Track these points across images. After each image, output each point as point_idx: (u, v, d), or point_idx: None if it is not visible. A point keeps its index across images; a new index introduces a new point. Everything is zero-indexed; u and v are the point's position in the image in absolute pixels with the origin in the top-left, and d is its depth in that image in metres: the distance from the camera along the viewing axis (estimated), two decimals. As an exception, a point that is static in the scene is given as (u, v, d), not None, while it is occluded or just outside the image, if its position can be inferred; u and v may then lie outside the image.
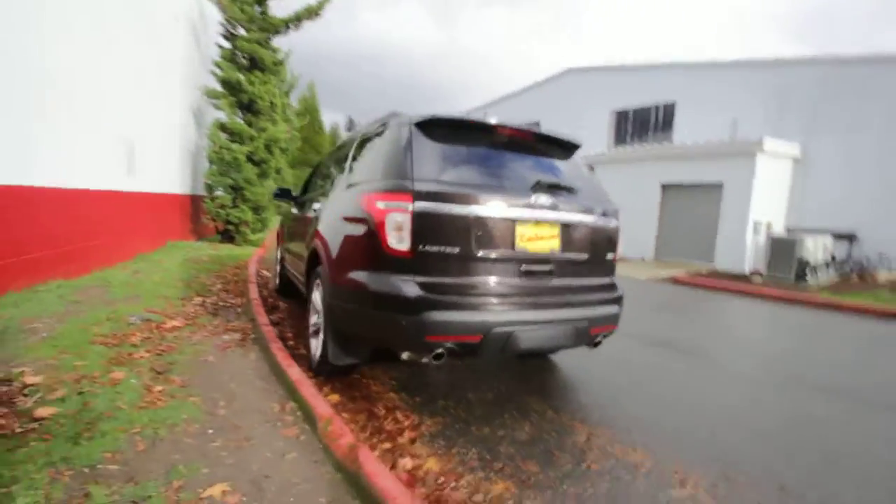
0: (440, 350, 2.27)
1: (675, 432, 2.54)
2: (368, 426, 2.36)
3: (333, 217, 2.85)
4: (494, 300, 2.35)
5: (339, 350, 2.68)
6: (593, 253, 2.73)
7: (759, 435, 2.57)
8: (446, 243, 2.31)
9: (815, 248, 10.09)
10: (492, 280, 2.40)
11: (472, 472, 2.03)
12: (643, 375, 3.48)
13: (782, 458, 2.33)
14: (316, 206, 3.37)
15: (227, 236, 9.41)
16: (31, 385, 2.33)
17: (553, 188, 2.62)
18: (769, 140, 11.73)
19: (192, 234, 9.11)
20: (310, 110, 24.80)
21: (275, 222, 10.59)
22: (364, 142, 3.12)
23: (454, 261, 2.33)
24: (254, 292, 4.91)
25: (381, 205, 2.32)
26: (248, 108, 9.12)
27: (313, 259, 3.17)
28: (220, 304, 4.68)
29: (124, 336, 3.31)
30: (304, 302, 5.16)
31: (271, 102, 9.29)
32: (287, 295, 5.35)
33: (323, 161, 4.26)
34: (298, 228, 4.10)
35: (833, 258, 11.29)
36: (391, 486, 1.68)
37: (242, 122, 8.98)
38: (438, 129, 2.56)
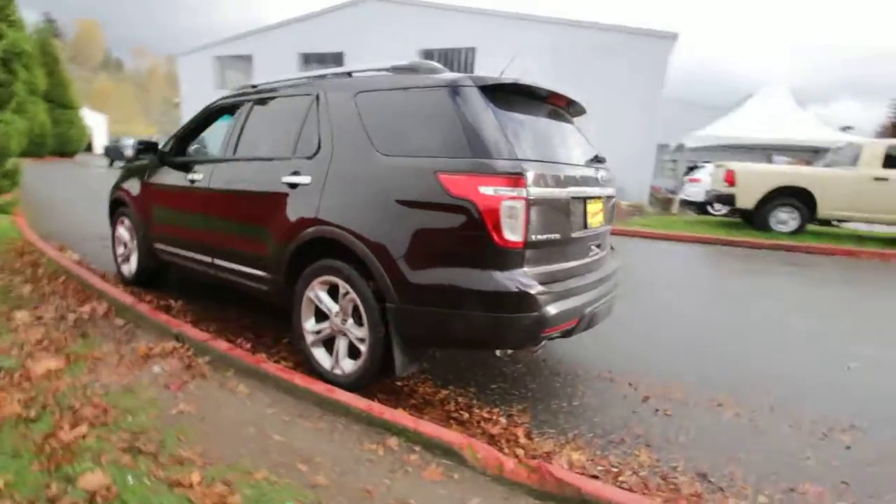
0: (544, 341, 2.17)
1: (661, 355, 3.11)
2: (476, 436, 2.14)
3: (370, 200, 2.23)
4: (581, 282, 2.34)
5: (407, 359, 2.26)
6: (612, 222, 2.93)
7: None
8: (550, 229, 2.16)
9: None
10: (576, 262, 2.36)
11: (608, 451, 2.11)
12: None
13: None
14: (298, 178, 2.53)
15: (-57, 201, 6.16)
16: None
17: (599, 160, 2.66)
18: (559, 93, 13.88)
19: None
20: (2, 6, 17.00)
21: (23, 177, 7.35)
22: (357, 97, 2.45)
23: (554, 247, 2.20)
24: (119, 293, 3.51)
25: (488, 190, 1.96)
26: (-46, -4, 5.75)
27: (312, 250, 2.47)
28: (72, 316, 3.20)
29: (-11, 408, 2.01)
30: (194, 292, 3.94)
31: (-3, -8, 6.07)
32: (150, 285, 4.00)
33: (242, 104, 3.13)
34: (219, 205, 3.03)
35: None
36: (621, 495, 1.64)
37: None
38: (496, 94, 2.23)
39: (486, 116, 2.10)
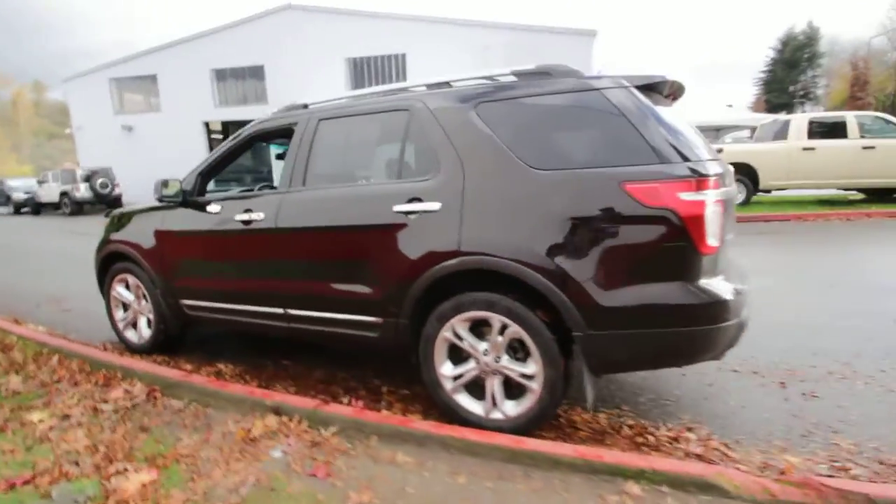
0: (728, 347, 2.08)
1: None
2: (684, 459, 1.99)
3: (534, 221, 1.97)
4: (742, 282, 2.26)
5: (594, 389, 2.04)
6: None
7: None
8: (729, 230, 2.07)
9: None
10: (732, 262, 2.29)
11: (809, 447, 2.06)
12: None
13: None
14: (421, 205, 2.18)
15: None
16: None
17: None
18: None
19: None
20: None
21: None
22: (478, 108, 2.20)
23: (727, 248, 2.11)
24: (157, 367, 2.90)
25: (689, 196, 1.81)
26: None
27: (445, 285, 2.16)
28: (107, 406, 2.56)
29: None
30: (228, 350, 3.35)
31: None
32: (168, 350, 3.37)
33: (296, 127, 2.67)
34: (299, 246, 2.57)
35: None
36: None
37: None
38: (645, 92, 2.09)
39: (655, 117, 1.96)
